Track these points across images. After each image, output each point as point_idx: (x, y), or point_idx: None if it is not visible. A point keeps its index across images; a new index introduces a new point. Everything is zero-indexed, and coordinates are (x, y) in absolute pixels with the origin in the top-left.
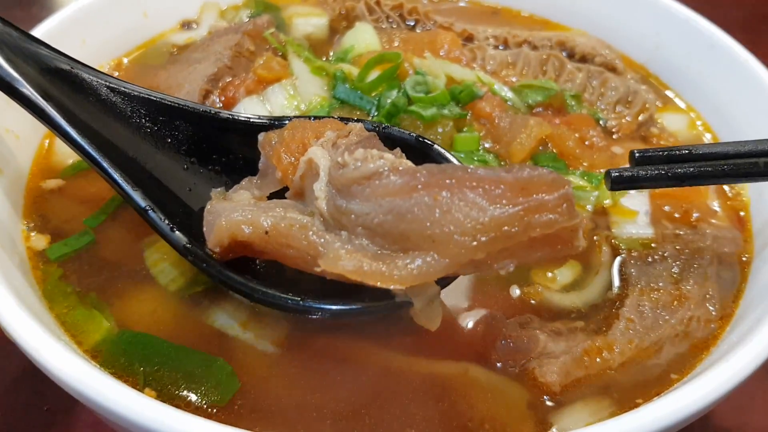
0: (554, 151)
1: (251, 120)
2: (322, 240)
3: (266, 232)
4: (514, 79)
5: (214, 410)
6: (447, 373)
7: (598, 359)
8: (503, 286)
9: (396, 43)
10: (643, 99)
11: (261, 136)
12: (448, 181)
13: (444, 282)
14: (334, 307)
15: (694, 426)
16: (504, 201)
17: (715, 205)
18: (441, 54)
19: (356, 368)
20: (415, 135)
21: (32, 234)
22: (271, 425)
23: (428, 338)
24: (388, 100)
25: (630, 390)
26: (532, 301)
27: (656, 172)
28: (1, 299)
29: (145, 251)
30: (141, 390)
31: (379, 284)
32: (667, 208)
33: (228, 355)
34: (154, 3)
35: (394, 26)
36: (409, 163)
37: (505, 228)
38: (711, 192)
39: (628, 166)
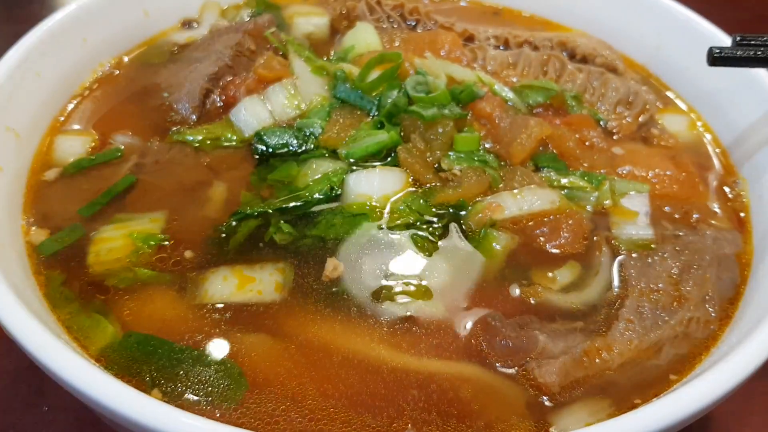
0: (554, 151)
1: None
2: None
3: None
4: (514, 80)
5: (223, 411)
6: (445, 373)
7: (597, 360)
8: (503, 286)
9: (397, 43)
10: (643, 100)
11: None
12: None
13: None
14: None
15: (693, 427)
16: None
17: (715, 207)
18: (442, 54)
19: (354, 367)
20: None
21: (32, 228)
22: (270, 426)
23: (427, 337)
24: (389, 100)
25: (629, 391)
26: (532, 301)
27: (755, 53)
28: (3, 299)
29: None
30: (148, 392)
31: None
32: (667, 209)
33: (233, 355)
34: (154, 1)
35: (395, 26)
36: None
37: None
38: (711, 193)
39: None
